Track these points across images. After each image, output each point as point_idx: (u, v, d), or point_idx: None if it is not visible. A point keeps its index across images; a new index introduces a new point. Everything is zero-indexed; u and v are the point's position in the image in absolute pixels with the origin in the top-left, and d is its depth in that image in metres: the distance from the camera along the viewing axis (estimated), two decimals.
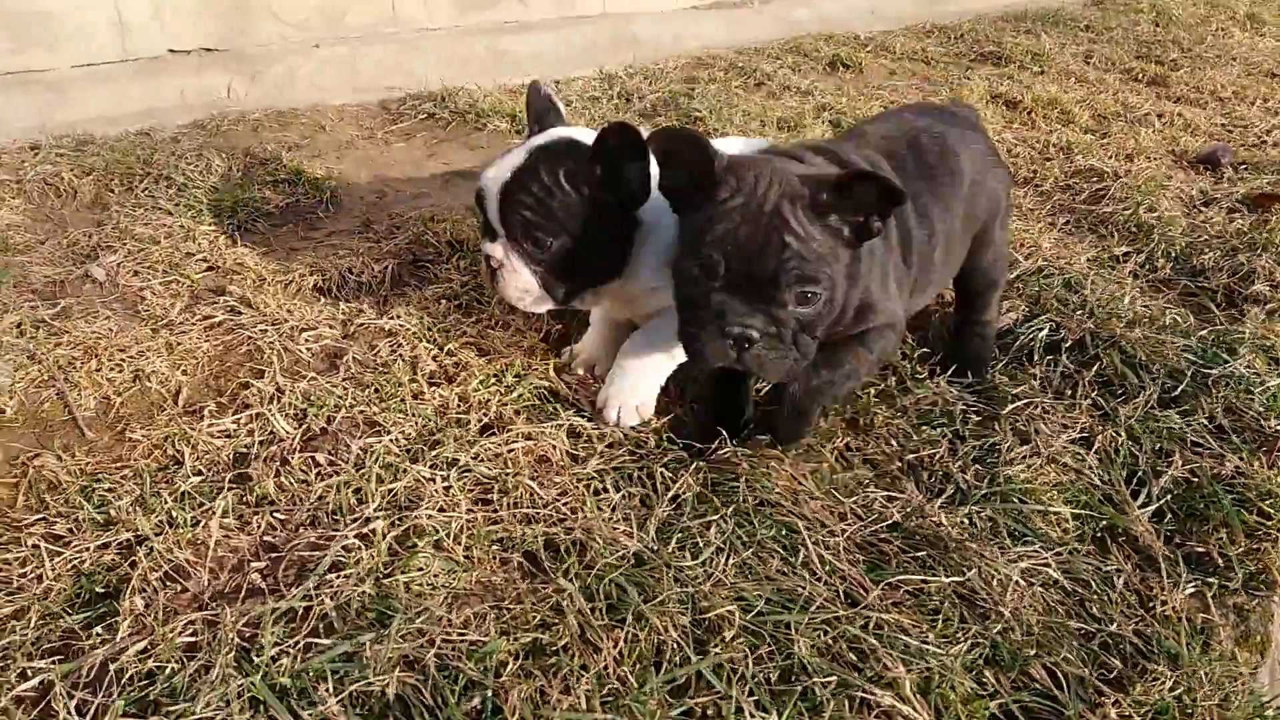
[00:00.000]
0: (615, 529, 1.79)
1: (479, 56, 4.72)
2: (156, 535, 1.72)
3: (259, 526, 1.77)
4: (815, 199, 1.73)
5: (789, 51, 4.71)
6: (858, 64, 4.55)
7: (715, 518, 1.81)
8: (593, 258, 2.01)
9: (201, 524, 1.76)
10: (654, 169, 1.89)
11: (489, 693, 1.50)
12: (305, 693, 1.46)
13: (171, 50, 4.51)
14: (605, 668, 1.54)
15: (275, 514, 1.80)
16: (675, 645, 1.58)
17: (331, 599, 1.61)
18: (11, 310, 2.32)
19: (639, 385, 2.09)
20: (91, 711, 1.42)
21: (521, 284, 1.99)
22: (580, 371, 2.24)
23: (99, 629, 1.57)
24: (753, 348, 1.75)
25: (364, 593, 1.62)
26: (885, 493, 1.93)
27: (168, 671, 1.49)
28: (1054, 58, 5.02)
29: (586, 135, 2.00)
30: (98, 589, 1.65)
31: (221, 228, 2.73)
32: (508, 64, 4.64)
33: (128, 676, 1.47)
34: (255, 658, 1.50)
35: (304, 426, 1.99)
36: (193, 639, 1.55)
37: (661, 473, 1.92)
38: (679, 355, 2.04)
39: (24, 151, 3.15)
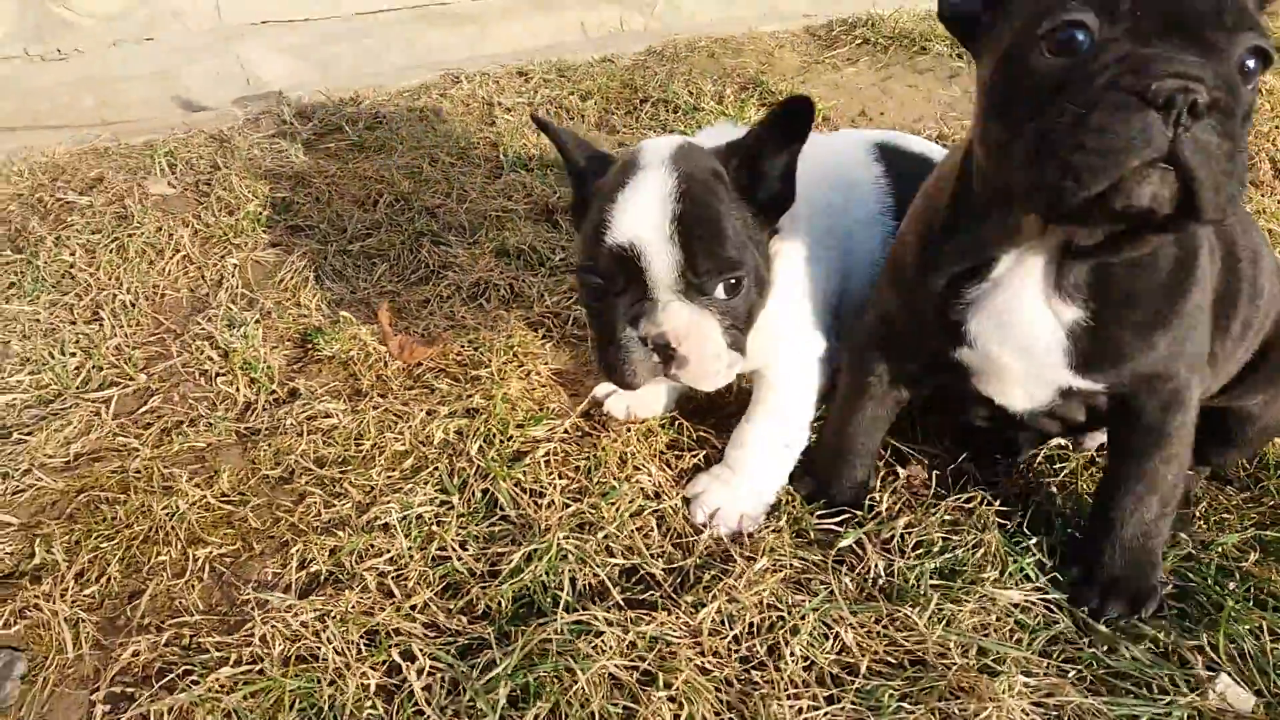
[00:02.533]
0: None
1: None
2: None
3: None
4: None
5: None
6: None
7: None
8: (759, 286, 1.56)
9: None
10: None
11: None
12: None
13: None
14: None
15: None
16: None
17: None
18: None
19: (759, 489, 1.71)
20: None
21: (715, 350, 1.49)
22: (620, 414, 1.85)
23: None
24: (1197, 125, 1.02)
25: None
26: None
27: None
28: None
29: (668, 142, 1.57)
30: None
31: None
32: None
33: None
34: None
35: None
36: None
37: None
38: (801, 441, 1.75)
39: (513, 78, 3.40)
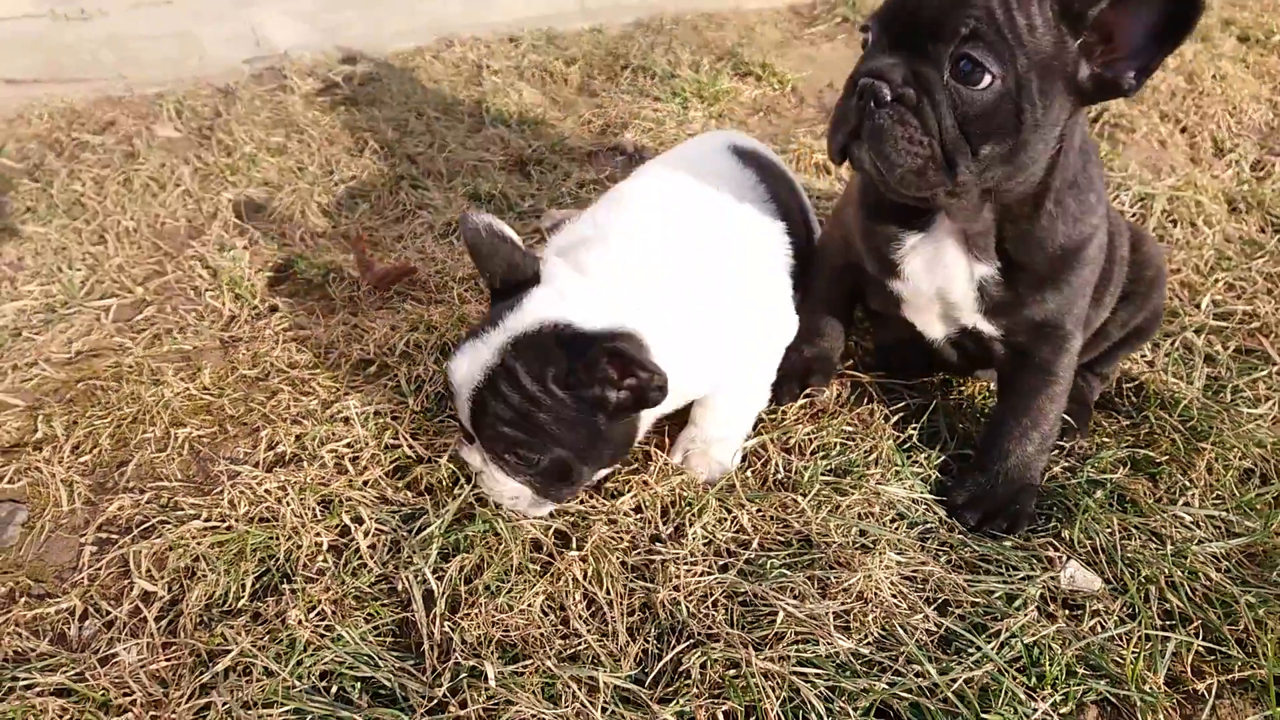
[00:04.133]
0: None
1: None
2: None
3: None
4: None
5: None
6: None
7: None
8: (601, 452, 1.59)
9: None
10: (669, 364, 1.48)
11: None
12: None
13: None
14: None
15: None
16: None
17: None
18: (571, 176, 2.74)
19: (733, 447, 1.81)
20: None
21: (510, 492, 1.60)
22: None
23: None
24: (880, 111, 1.35)
25: None
26: None
27: None
28: None
29: (582, 304, 1.52)
30: None
31: (708, 113, 3.08)
32: None
33: None
34: None
35: None
36: None
37: None
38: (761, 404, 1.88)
39: (504, 44, 3.60)
